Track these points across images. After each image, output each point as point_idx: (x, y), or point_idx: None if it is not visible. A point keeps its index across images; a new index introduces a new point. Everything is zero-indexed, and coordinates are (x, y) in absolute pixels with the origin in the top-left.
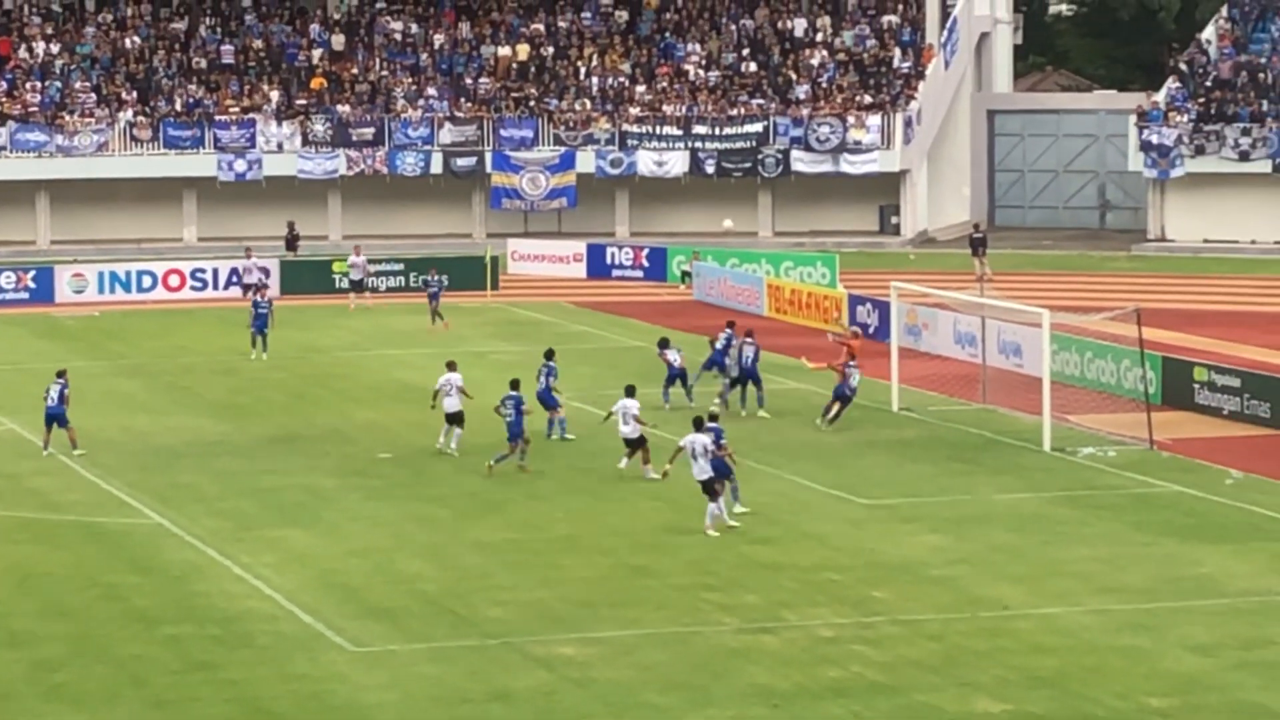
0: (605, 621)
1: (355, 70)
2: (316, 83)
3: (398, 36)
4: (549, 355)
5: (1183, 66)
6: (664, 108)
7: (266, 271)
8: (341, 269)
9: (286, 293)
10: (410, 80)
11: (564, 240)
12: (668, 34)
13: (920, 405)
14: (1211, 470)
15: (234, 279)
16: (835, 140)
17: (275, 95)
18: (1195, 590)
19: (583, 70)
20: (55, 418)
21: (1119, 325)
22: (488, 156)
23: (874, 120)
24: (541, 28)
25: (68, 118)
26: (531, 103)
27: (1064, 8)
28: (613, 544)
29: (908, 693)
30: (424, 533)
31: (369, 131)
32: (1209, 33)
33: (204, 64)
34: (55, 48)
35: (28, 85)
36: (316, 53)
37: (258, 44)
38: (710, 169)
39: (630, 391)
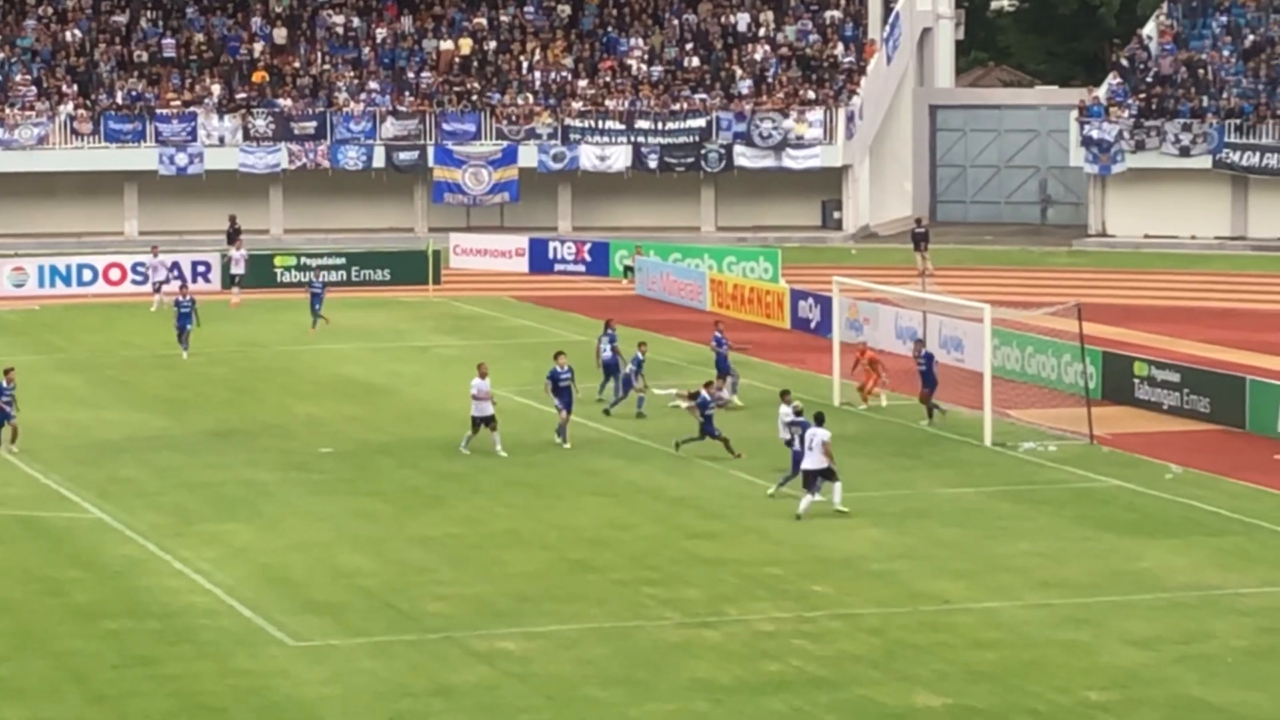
0: (546, 616)
1: (297, 64)
2: (258, 76)
3: (340, 30)
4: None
5: (1124, 62)
6: (607, 102)
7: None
8: (285, 263)
9: (227, 287)
10: (352, 74)
11: (506, 235)
12: (610, 28)
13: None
14: (1151, 465)
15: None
16: (778, 135)
17: (217, 89)
18: (1135, 585)
19: (525, 64)
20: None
21: (1060, 320)
22: (430, 151)
23: (816, 115)
24: (484, 21)
25: (8, 111)
26: (474, 97)
27: (1005, 3)
28: (554, 539)
29: (848, 687)
30: (365, 527)
31: (311, 125)
32: (1150, 28)
33: (145, 57)
34: None
35: None
36: (258, 46)
37: (199, 37)
38: (653, 164)
39: (819, 419)
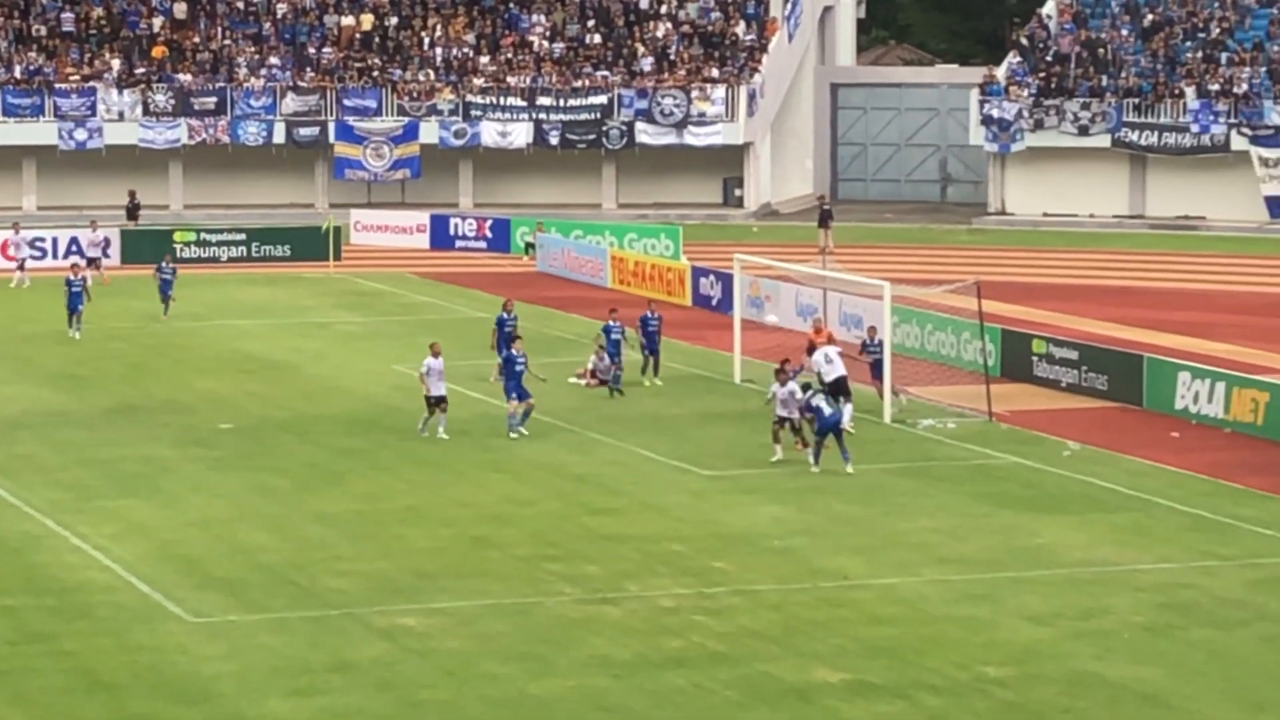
0: (447, 592)
1: (197, 39)
2: (158, 51)
3: (240, 5)
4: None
5: (1024, 41)
6: (508, 79)
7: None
8: (184, 239)
9: (127, 262)
10: (253, 49)
11: (407, 211)
12: (512, 5)
13: (763, 378)
14: (1049, 442)
15: (74, 248)
16: (679, 113)
17: (116, 63)
18: (1033, 561)
19: (427, 40)
20: None
21: (959, 298)
22: (331, 127)
23: (718, 93)
24: None
25: None
26: (375, 73)
27: None
28: (455, 515)
29: (748, 662)
30: (265, 503)
31: (211, 101)
32: (1049, 7)
33: (44, 31)
34: None
35: None
36: (158, 21)
37: (98, 11)
38: (555, 140)
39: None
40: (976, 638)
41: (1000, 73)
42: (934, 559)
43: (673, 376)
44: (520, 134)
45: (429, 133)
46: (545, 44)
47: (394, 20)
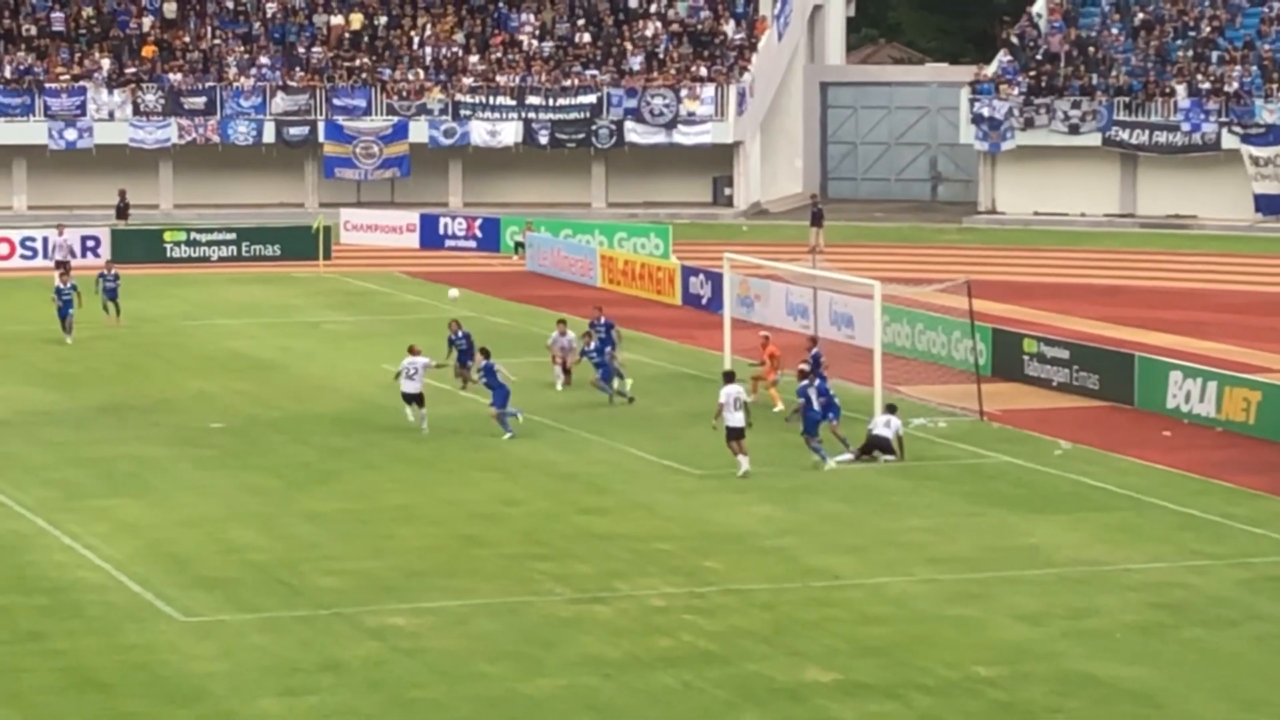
0: (437, 591)
1: (187, 38)
2: (148, 51)
3: (230, 4)
4: (486, 354)
5: (1014, 40)
6: (498, 78)
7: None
8: (174, 238)
9: (117, 261)
10: (242, 49)
11: (397, 210)
12: (501, 4)
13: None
14: (1041, 441)
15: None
16: (669, 112)
17: (106, 63)
18: (1024, 560)
19: (416, 40)
20: None
21: (950, 297)
22: (320, 126)
23: (708, 92)
24: None
25: None
26: (364, 72)
27: None
28: (445, 514)
29: (738, 662)
30: (255, 503)
31: (201, 100)
32: (1040, 6)
33: (34, 30)
34: None
35: None
36: (148, 20)
37: (88, 11)
38: (544, 140)
39: (730, 378)
40: (967, 637)
41: (990, 71)
42: (925, 558)
43: (662, 375)
44: (509, 133)
45: (418, 132)
46: (534, 43)
47: (383, 19)
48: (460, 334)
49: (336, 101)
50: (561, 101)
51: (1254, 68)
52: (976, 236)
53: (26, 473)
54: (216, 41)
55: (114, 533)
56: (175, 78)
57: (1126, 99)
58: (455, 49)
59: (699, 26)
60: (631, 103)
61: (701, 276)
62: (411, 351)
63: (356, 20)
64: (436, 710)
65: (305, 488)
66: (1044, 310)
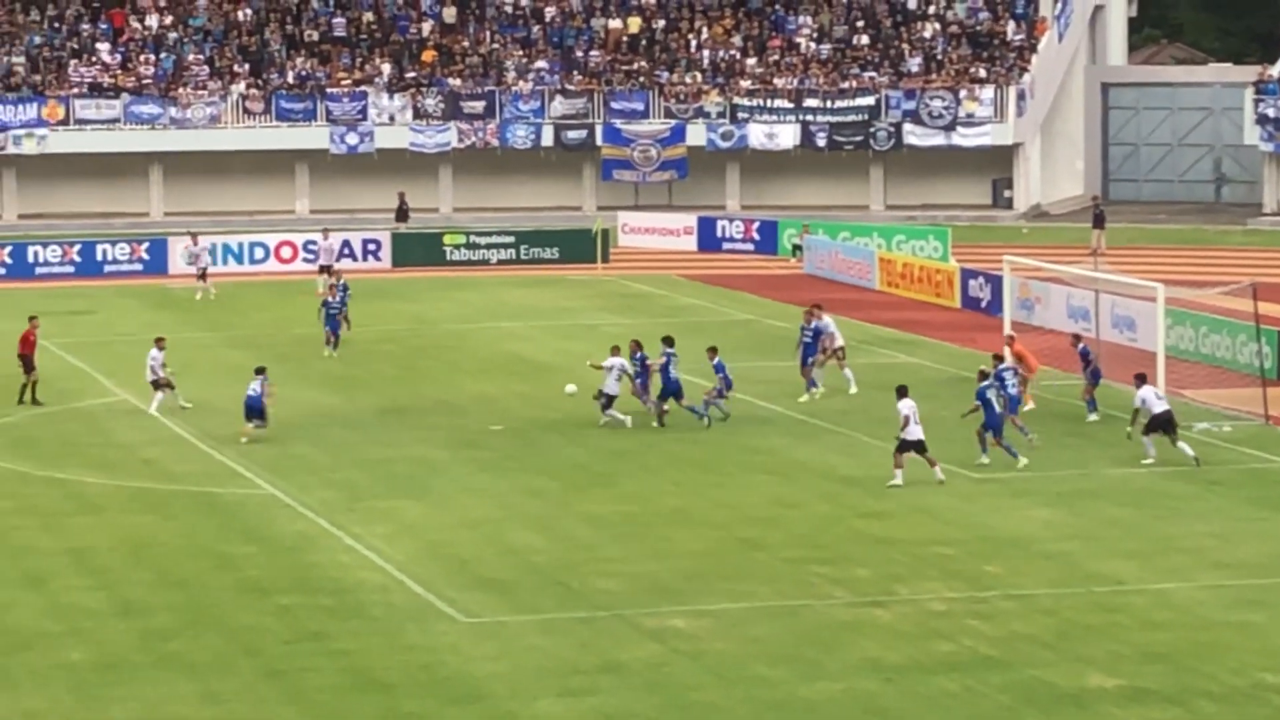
0: (715, 594)
1: (466, 43)
2: (428, 55)
3: (509, 9)
4: (668, 342)
5: None
6: (775, 80)
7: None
8: (454, 241)
9: (397, 265)
10: (521, 53)
11: (674, 213)
12: (779, 6)
13: (1033, 380)
14: None
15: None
16: (948, 114)
17: (387, 68)
18: None
19: (693, 43)
20: (253, 409)
21: (1234, 300)
22: (598, 129)
23: (987, 93)
24: (653, 0)
25: (181, 90)
26: (642, 76)
27: None
28: (722, 517)
29: (1020, 667)
30: (534, 504)
31: (480, 104)
32: None
33: (316, 36)
34: (168, 20)
35: (141, 58)
36: (427, 25)
37: (369, 16)
38: (821, 142)
39: (903, 392)
40: (1253, 644)
41: (1275, 71)
42: (1209, 564)
43: (942, 379)
44: (787, 136)
45: (696, 135)
46: (812, 45)
47: (661, 23)
48: (638, 355)
49: (614, 105)
50: (839, 104)
51: None
52: (1262, 239)
53: (311, 474)
54: (495, 46)
55: (395, 534)
56: (455, 82)
57: None
58: (733, 52)
59: (978, 27)
60: (910, 104)
61: (981, 279)
62: (614, 353)
63: (634, 24)
64: (715, 713)
65: (583, 490)
66: None
